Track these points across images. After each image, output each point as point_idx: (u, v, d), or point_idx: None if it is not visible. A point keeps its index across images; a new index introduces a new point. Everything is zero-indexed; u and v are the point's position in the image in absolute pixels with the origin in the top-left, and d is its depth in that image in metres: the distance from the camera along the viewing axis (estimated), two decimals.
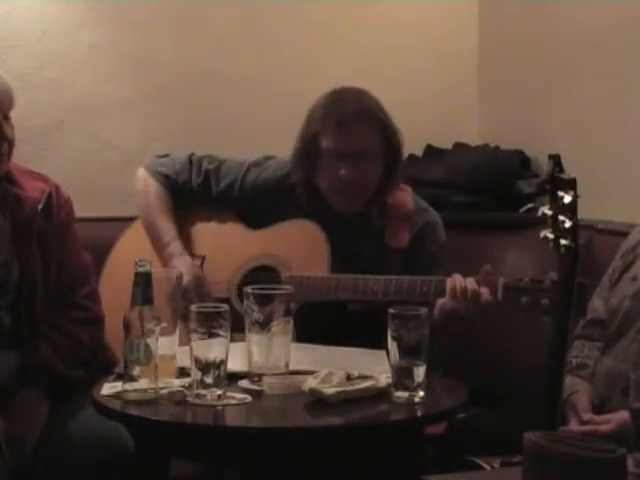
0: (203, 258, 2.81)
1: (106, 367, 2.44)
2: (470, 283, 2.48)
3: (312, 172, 2.73)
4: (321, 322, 2.61)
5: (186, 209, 2.89)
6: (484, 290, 2.47)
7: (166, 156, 2.94)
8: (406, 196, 2.82)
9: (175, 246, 2.79)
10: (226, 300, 2.65)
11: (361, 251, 2.72)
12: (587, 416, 2.34)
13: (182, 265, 2.72)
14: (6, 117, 2.48)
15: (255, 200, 2.83)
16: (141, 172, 2.92)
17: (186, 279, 2.67)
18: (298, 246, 2.72)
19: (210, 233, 2.86)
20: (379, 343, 2.24)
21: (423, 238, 2.76)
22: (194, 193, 2.88)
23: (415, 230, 2.76)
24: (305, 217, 2.74)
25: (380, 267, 2.63)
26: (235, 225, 2.84)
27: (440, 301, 2.52)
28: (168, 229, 2.82)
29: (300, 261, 2.68)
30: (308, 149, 2.72)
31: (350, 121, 2.67)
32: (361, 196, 2.72)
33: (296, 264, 2.68)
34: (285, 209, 2.78)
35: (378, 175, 2.72)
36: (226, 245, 2.81)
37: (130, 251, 2.81)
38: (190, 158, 2.90)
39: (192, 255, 2.81)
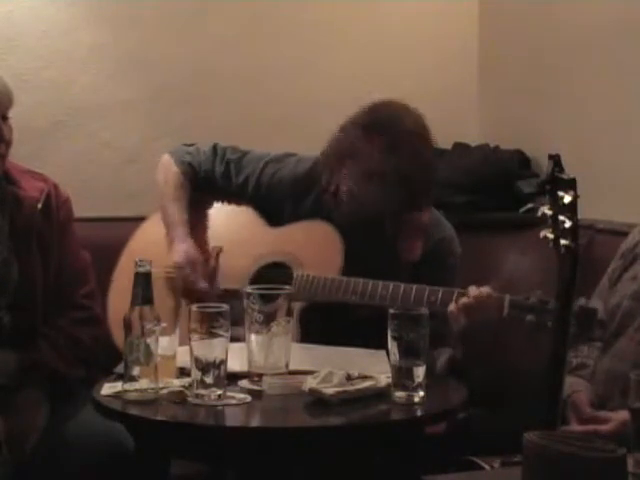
0: (220, 250, 2.81)
1: (106, 367, 2.44)
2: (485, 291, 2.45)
3: (335, 176, 2.68)
4: (327, 324, 2.61)
5: (207, 201, 2.89)
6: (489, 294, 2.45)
7: (192, 145, 2.94)
8: None
9: (179, 231, 2.79)
10: (238, 292, 2.65)
11: (372, 260, 2.71)
12: (586, 409, 2.34)
13: (180, 248, 2.73)
14: (5, 117, 2.47)
15: (268, 196, 2.82)
16: (166, 158, 2.91)
17: (178, 259, 2.69)
18: (313, 246, 2.72)
19: (229, 226, 2.86)
20: (385, 349, 2.23)
21: (438, 253, 2.72)
22: (216, 182, 2.87)
23: (430, 244, 2.72)
24: (316, 218, 2.73)
25: (389, 274, 2.62)
26: (254, 220, 2.84)
27: (451, 309, 2.50)
28: (177, 214, 2.82)
29: (314, 261, 2.68)
30: (343, 152, 2.65)
31: (401, 145, 2.59)
32: (375, 214, 2.66)
33: (309, 264, 2.68)
34: (297, 208, 2.78)
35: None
36: (243, 239, 2.81)
37: (144, 245, 2.83)
38: (215, 148, 2.91)
39: (209, 247, 2.82)
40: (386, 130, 2.61)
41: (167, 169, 2.89)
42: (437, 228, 2.77)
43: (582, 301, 2.28)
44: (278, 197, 2.81)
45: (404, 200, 2.61)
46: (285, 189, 2.81)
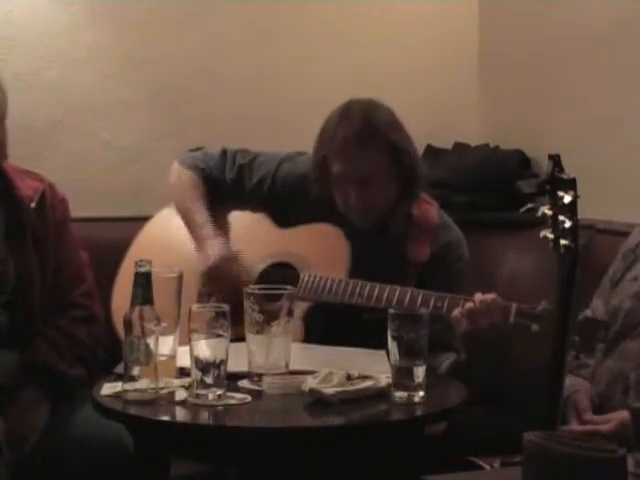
0: None
1: (106, 367, 2.44)
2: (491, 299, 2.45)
3: (329, 188, 2.73)
4: (331, 325, 2.61)
5: (215, 205, 2.89)
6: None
7: (199, 149, 2.95)
8: (431, 210, 2.80)
9: (207, 229, 2.80)
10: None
11: (378, 261, 2.71)
12: (587, 416, 2.34)
13: (213, 247, 2.75)
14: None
15: (283, 195, 2.84)
16: (175, 165, 2.93)
17: (214, 259, 2.71)
18: (320, 248, 2.73)
19: (236, 229, 2.87)
20: (385, 349, 2.23)
21: (445, 256, 2.73)
22: (227, 188, 2.89)
23: (437, 246, 2.73)
24: (325, 222, 2.75)
25: (396, 278, 2.62)
26: (262, 221, 2.86)
27: (455, 313, 2.49)
28: (201, 213, 2.83)
29: (320, 263, 2.69)
30: (322, 170, 2.72)
31: (353, 145, 2.64)
32: (375, 216, 2.72)
33: (316, 265, 2.69)
34: (308, 208, 2.79)
35: (392, 195, 2.71)
36: (250, 239, 2.82)
37: (150, 244, 2.85)
38: (224, 153, 2.92)
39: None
40: (339, 133, 2.66)
41: (179, 174, 2.91)
42: (445, 231, 2.78)
43: (587, 312, 2.28)
44: (291, 195, 2.83)
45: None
46: (298, 187, 2.82)
